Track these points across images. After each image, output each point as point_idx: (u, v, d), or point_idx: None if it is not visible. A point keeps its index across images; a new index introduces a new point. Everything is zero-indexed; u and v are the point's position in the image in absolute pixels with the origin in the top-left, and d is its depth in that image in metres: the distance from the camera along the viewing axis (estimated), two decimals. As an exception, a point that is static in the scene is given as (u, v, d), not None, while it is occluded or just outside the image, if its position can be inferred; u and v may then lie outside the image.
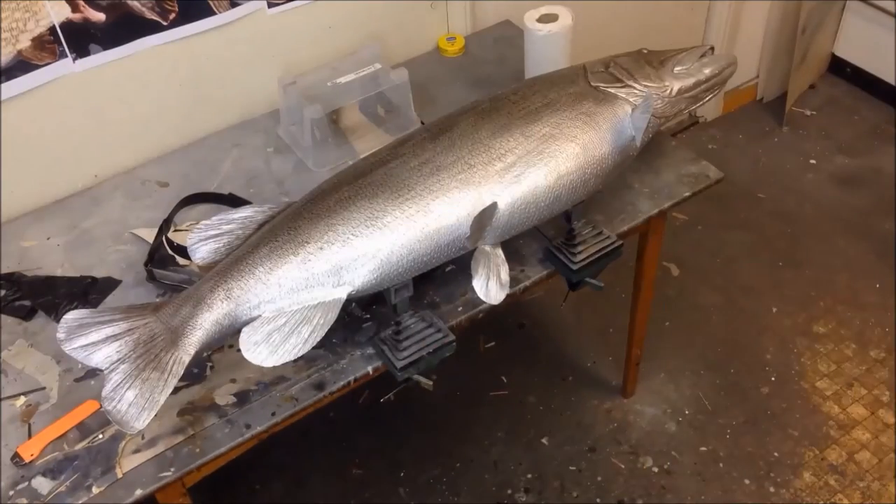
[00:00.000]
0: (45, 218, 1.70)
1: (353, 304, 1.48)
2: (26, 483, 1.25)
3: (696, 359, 2.36)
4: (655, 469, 2.12)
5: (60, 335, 1.23)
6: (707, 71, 1.62)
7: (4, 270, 1.58)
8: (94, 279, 1.55)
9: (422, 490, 2.10)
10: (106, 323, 1.23)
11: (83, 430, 1.31)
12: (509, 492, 2.09)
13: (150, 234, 1.61)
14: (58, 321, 1.26)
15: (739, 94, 3.15)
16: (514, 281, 1.50)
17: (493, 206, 1.37)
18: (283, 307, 1.29)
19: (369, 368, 1.40)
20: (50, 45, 1.58)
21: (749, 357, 2.36)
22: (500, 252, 1.44)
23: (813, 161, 2.95)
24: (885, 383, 2.27)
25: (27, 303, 1.51)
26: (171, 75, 1.78)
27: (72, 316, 1.24)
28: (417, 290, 1.45)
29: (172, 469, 1.26)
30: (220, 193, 1.71)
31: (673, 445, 2.17)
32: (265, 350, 1.26)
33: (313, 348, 1.27)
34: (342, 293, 1.31)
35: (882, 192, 2.81)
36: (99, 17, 1.61)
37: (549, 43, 1.82)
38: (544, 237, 1.58)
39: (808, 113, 3.14)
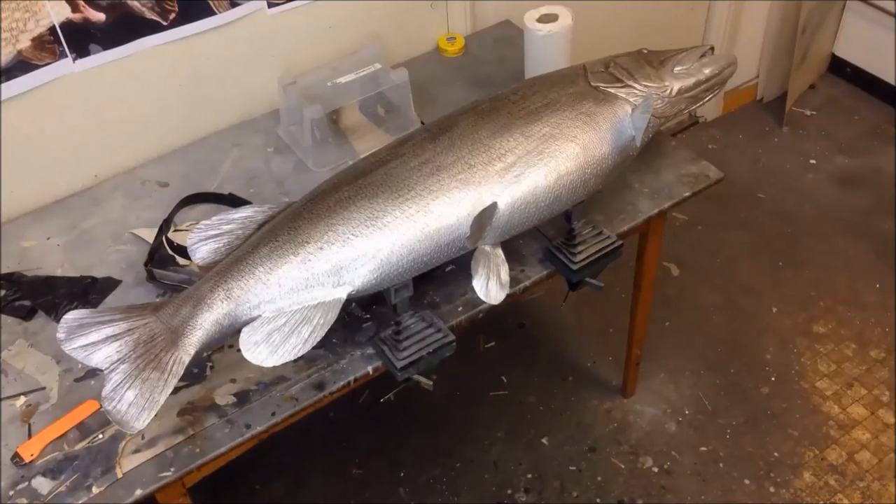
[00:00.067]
0: (45, 218, 1.70)
1: (353, 304, 1.48)
2: (26, 483, 1.25)
3: (696, 359, 2.36)
4: (655, 469, 2.12)
5: (60, 335, 1.23)
6: (707, 71, 1.62)
7: (4, 270, 1.58)
8: (94, 279, 1.55)
9: (422, 490, 2.10)
10: (106, 323, 1.23)
11: (83, 430, 1.31)
12: (509, 492, 2.09)
13: (150, 234, 1.61)
14: (58, 321, 1.26)
15: (739, 94, 3.15)
16: (514, 281, 1.50)
17: (493, 206, 1.37)
18: (283, 307, 1.29)
19: (369, 368, 1.40)
20: (50, 45, 1.58)
21: (749, 357, 2.36)
22: (500, 252, 1.44)
23: (813, 161, 2.95)
24: (885, 383, 2.27)
25: (27, 303, 1.51)
26: (171, 75, 1.78)
27: (72, 316, 1.24)
28: (417, 290, 1.45)
29: (172, 469, 1.26)
30: (220, 193, 1.71)
31: (673, 445, 2.17)
32: (265, 350, 1.26)
33: (313, 348, 1.27)
34: (342, 293, 1.31)
35: (882, 192, 2.81)
36: (99, 17, 1.61)
37: (549, 43, 1.82)
38: (544, 237, 1.58)
39: (808, 113, 3.14)
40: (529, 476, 2.12)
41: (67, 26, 1.58)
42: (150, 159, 1.83)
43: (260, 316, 1.29)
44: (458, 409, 2.27)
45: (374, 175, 1.38)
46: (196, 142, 1.87)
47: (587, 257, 1.52)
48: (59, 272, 1.58)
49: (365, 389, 2.26)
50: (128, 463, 1.27)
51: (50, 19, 1.56)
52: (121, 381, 1.20)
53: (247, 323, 1.28)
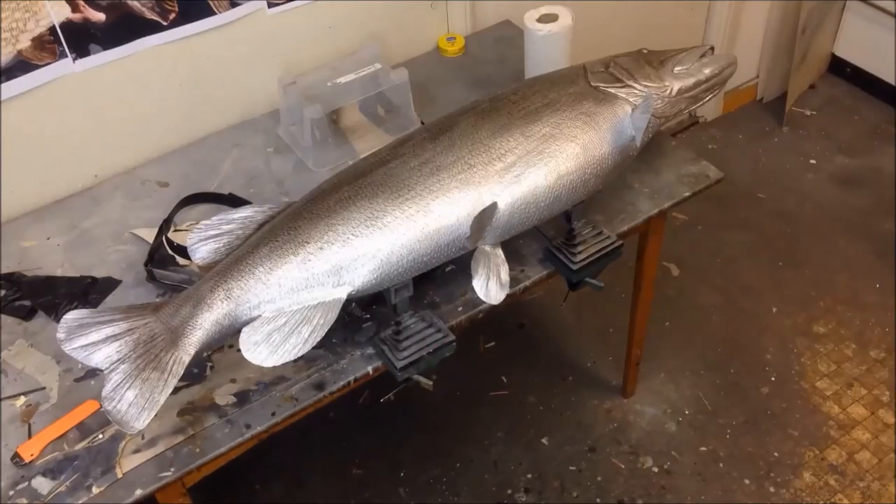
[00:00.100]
0: (45, 218, 1.70)
1: (353, 304, 1.48)
2: (26, 483, 1.25)
3: (696, 359, 2.36)
4: (655, 469, 2.12)
5: (60, 335, 1.23)
6: (707, 71, 1.62)
7: (4, 270, 1.58)
8: (94, 279, 1.55)
9: (422, 490, 2.10)
10: (106, 323, 1.23)
11: (83, 430, 1.31)
12: (509, 492, 2.09)
13: (150, 234, 1.61)
14: (58, 321, 1.26)
15: (739, 94, 3.15)
16: (514, 281, 1.50)
17: (493, 206, 1.37)
18: (283, 307, 1.29)
19: (369, 368, 1.40)
20: (50, 45, 1.58)
21: (749, 357, 2.36)
22: (500, 252, 1.44)
23: (813, 161, 2.95)
24: (885, 383, 2.27)
25: (27, 303, 1.51)
26: (171, 75, 1.78)
27: (72, 316, 1.24)
28: (417, 290, 1.45)
29: (172, 469, 1.26)
30: (220, 193, 1.71)
31: (673, 445, 2.17)
32: (265, 350, 1.26)
33: (313, 348, 1.27)
34: (342, 293, 1.31)
35: (882, 192, 2.81)
36: (99, 17, 1.61)
37: (549, 43, 1.82)
38: (544, 237, 1.58)
39: (808, 113, 3.14)
40: (529, 476, 2.12)
41: (67, 26, 1.58)
42: (150, 159, 1.83)
43: (260, 316, 1.29)
44: (458, 409, 2.27)
45: (374, 175, 1.38)
46: (196, 142, 1.87)
47: (587, 257, 1.52)
48: (59, 272, 1.58)
49: (365, 389, 2.26)
50: (128, 463, 1.27)
51: (50, 19, 1.56)
52: (121, 381, 1.20)
53: (247, 323, 1.28)
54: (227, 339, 1.41)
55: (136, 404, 1.19)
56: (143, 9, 1.65)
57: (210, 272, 1.31)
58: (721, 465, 2.12)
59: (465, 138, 1.42)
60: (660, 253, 1.91)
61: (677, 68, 1.60)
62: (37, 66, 1.59)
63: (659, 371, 2.33)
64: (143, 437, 1.30)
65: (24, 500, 1.23)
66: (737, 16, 2.81)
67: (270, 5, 1.82)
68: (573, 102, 1.49)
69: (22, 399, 1.37)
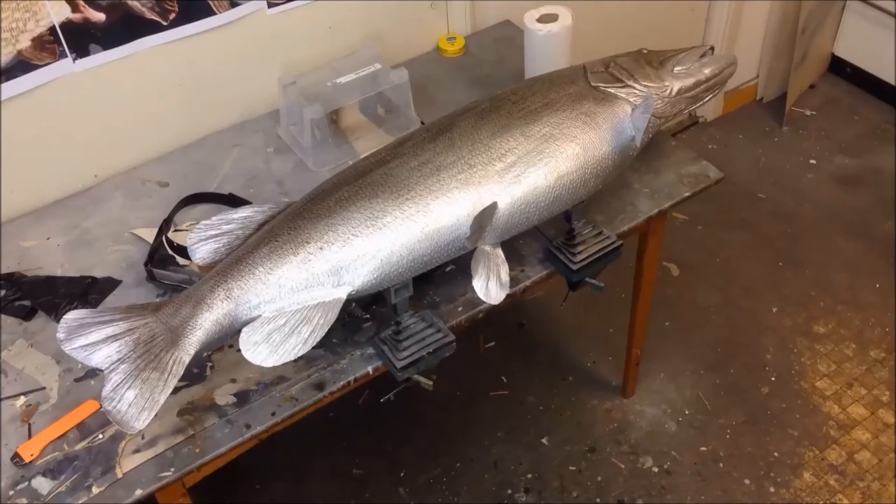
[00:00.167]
0: (45, 218, 1.70)
1: (353, 304, 1.48)
2: (26, 483, 1.25)
3: (696, 359, 2.36)
4: (655, 469, 2.12)
5: (60, 335, 1.23)
6: (707, 71, 1.62)
7: (4, 270, 1.58)
8: (94, 279, 1.55)
9: (422, 490, 2.10)
10: (106, 323, 1.23)
11: (83, 430, 1.31)
12: (509, 492, 2.09)
13: (150, 234, 1.61)
14: (58, 321, 1.26)
15: (739, 94, 3.15)
16: (514, 281, 1.50)
17: (493, 206, 1.37)
18: (283, 307, 1.29)
19: (369, 368, 1.40)
20: (50, 45, 1.58)
21: (749, 357, 2.36)
22: (500, 252, 1.44)
23: (813, 161, 2.95)
24: (885, 383, 2.27)
25: (27, 303, 1.51)
26: (171, 75, 1.78)
27: (72, 316, 1.24)
28: (417, 290, 1.45)
29: (172, 469, 1.26)
30: (220, 193, 1.71)
31: (673, 445, 2.17)
32: (265, 350, 1.26)
33: (313, 348, 1.27)
34: (342, 293, 1.31)
35: (882, 192, 2.81)
36: (99, 17, 1.61)
37: (548, 43, 1.82)
38: (544, 237, 1.58)
39: (808, 113, 3.14)
40: (529, 476, 2.12)
41: (67, 26, 1.58)
42: (150, 159, 1.83)
43: (260, 316, 1.29)
44: (458, 409, 2.27)
45: (373, 175, 1.38)
46: (196, 142, 1.87)
47: (587, 257, 1.52)
48: (59, 272, 1.58)
49: (365, 389, 2.26)
50: (128, 463, 1.27)
51: (50, 19, 1.56)
52: (121, 381, 1.20)
53: (247, 323, 1.28)
54: (227, 339, 1.41)
55: (136, 404, 1.19)
56: (143, 9, 1.65)
57: (210, 272, 1.31)
58: (721, 465, 2.12)
59: (465, 138, 1.42)
60: (660, 253, 1.91)
61: (677, 68, 1.60)
62: (37, 66, 1.59)
63: (659, 371, 2.33)
64: (143, 437, 1.30)
65: (24, 500, 1.23)
66: (737, 16, 2.81)
67: (270, 5, 1.82)
68: (573, 102, 1.49)
69: (22, 399, 1.37)
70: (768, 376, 2.30)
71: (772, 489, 2.07)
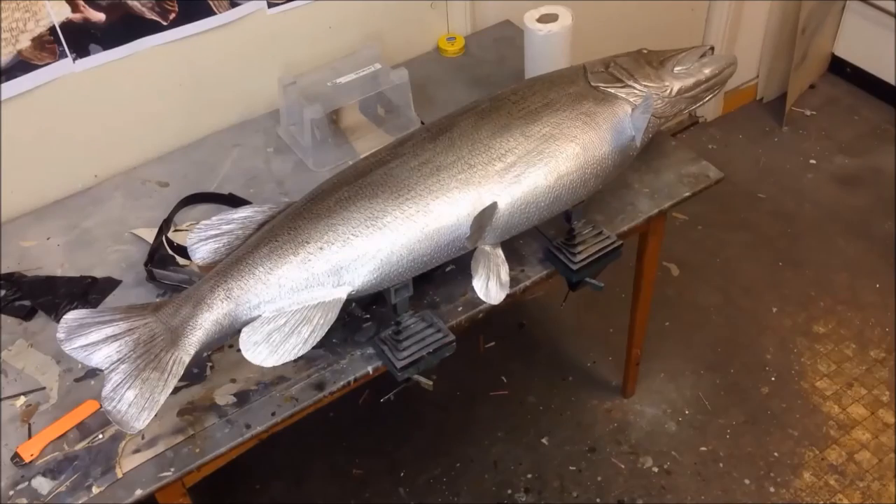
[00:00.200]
0: (45, 218, 1.70)
1: (353, 304, 1.48)
2: (26, 483, 1.25)
3: (696, 359, 2.36)
4: (655, 469, 2.12)
5: (60, 335, 1.23)
6: (707, 71, 1.62)
7: (4, 270, 1.58)
8: (94, 279, 1.55)
9: (422, 490, 2.10)
10: (106, 323, 1.23)
11: (83, 430, 1.31)
12: (509, 492, 2.09)
13: (150, 234, 1.61)
14: (58, 321, 1.26)
15: (739, 94, 3.15)
16: (514, 281, 1.50)
17: (493, 206, 1.37)
18: (283, 307, 1.29)
19: (369, 368, 1.40)
20: (50, 45, 1.58)
21: (749, 357, 2.36)
22: (500, 252, 1.44)
23: (813, 161, 2.95)
24: (885, 383, 2.27)
25: (27, 303, 1.51)
26: (171, 75, 1.78)
27: (72, 316, 1.24)
28: (417, 290, 1.45)
29: (172, 469, 1.26)
30: (220, 193, 1.71)
31: (673, 445, 2.17)
32: (265, 350, 1.26)
33: (313, 348, 1.27)
34: (342, 293, 1.31)
35: (882, 192, 2.81)
36: (99, 17, 1.61)
37: (549, 43, 1.82)
38: (544, 237, 1.58)
39: (808, 113, 3.14)
40: (529, 476, 2.12)
41: (67, 26, 1.58)
42: (150, 159, 1.83)
43: (260, 316, 1.29)
44: (458, 409, 2.27)
45: (373, 175, 1.38)
46: (196, 142, 1.87)
47: (587, 257, 1.52)
48: (59, 272, 1.58)
49: (365, 389, 2.26)
50: (128, 463, 1.27)
51: (50, 19, 1.56)
52: (121, 381, 1.20)
53: (247, 323, 1.28)
54: (227, 339, 1.41)
55: (136, 404, 1.19)
56: (143, 9, 1.65)
57: (210, 272, 1.31)
58: (721, 465, 2.12)
59: (465, 138, 1.42)
60: (660, 253, 1.91)
61: (677, 68, 1.60)
62: (37, 66, 1.59)
63: (659, 371, 2.33)
64: (143, 437, 1.30)
65: (24, 500, 1.23)
66: (737, 16, 2.81)
67: (270, 5, 1.82)
68: (573, 102, 1.49)
69: (22, 399, 1.37)
70: (768, 376, 2.30)
71: (772, 489, 2.07)
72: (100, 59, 1.66)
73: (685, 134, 3.08)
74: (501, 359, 2.38)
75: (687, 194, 1.68)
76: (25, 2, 1.51)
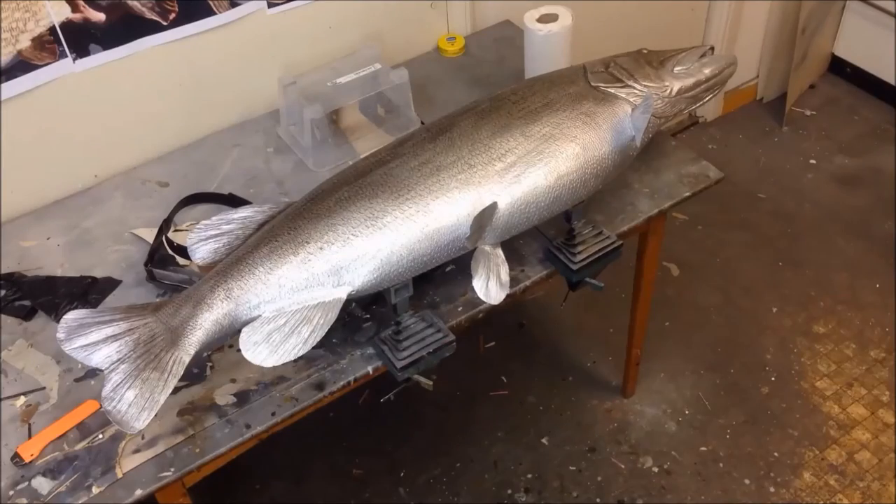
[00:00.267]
0: (45, 218, 1.70)
1: (353, 304, 1.48)
2: (26, 483, 1.25)
3: (696, 359, 2.36)
4: (655, 469, 2.12)
5: (60, 335, 1.23)
6: (707, 71, 1.62)
7: (4, 270, 1.58)
8: (94, 279, 1.55)
9: (422, 490, 2.10)
10: (106, 323, 1.23)
11: (83, 430, 1.31)
12: (509, 492, 2.09)
13: (150, 234, 1.61)
14: (58, 321, 1.26)
15: (739, 94, 3.15)
16: (514, 281, 1.50)
17: (493, 206, 1.37)
18: (283, 307, 1.29)
19: (369, 368, 1.40)
20: (50, 45, 1.58)
21: (749, 357, 2.36)
22: (500, 252, 1.44)
23: (813, 161, 2.95)
24: (885, 383, 2.27)
25: (27, 303, 1.51)
26: (171, 75, 1.78)
27: (72, 316, 1.24)
28: (417, 290, 1.45)
29: (172, 469, 1.26)
30: (220, 193, 1.71)
31: (673, 445, 2.17)
32: (265, 350, 1.26)
33: (313, 348, 1.27)
34: (342, 293, 1.31)
35: (882, 192, 2.81)
36: (99, 17, 1.61)
37: (548, 43, 1.82)
38: (544, 237, 1.58)
39: (808, 113, 3.14)
40: (529, 476, 2.12)
41: (67, 26, 1.58)
42: (150, 159, 1.83)
43: (260, 316, 1.29)
44: (458, 409, 2.27)
45: (373, 175, 1.38)
46: (196, 142, 1.87)
47: (587, 257, 1.52)
48: (59, 272, 1.58)
49: (365, 389, 2.26)
50: (128, 463, 1.27)
51: (50, 19, 1.56)
52: (121, 381, 1.20)
53: (247, 323, 1.28)
54: (227, 339, 1.41)
55: (136, 404, 1.19)
56: (143, 9, 1.65)
57: (210, 272, 1.31)
58: (721, 465, 2.12)
59: (465, 138, 1.42)
60: (660, 253, 1.91)
61: (677, 68, 1.60)
62: (37, 66, 1.59)
63: (659, 371, 2.33)
64: (143, 437, 1.30)
65: (24, 500, 1.23)
66: (737, 16, 2.81)
67: (270, 5, 1.82)
68: (573, 102, 1.49)
69: (22, 399, 1.37)
70: (768, 376, 2.30)
71: (772, 489, 2.07)
72: (100, 59, 1.66)
73: (685, 134, 3.08)
74: (501, 359, 2.38)
75: (687, 194, 1.68)
76: (25, 2, 1.51)
